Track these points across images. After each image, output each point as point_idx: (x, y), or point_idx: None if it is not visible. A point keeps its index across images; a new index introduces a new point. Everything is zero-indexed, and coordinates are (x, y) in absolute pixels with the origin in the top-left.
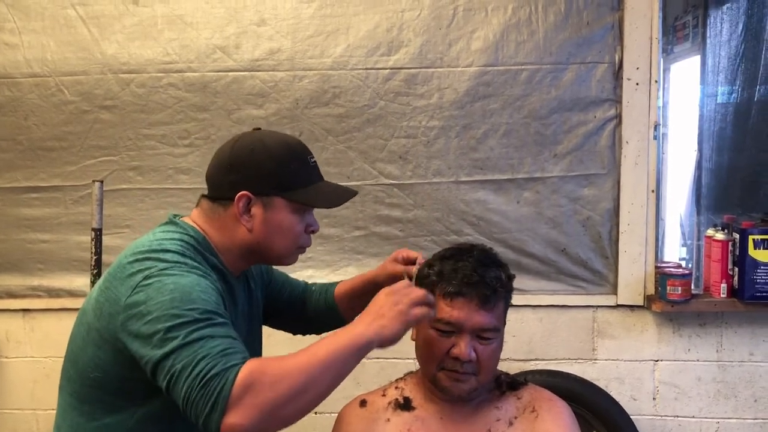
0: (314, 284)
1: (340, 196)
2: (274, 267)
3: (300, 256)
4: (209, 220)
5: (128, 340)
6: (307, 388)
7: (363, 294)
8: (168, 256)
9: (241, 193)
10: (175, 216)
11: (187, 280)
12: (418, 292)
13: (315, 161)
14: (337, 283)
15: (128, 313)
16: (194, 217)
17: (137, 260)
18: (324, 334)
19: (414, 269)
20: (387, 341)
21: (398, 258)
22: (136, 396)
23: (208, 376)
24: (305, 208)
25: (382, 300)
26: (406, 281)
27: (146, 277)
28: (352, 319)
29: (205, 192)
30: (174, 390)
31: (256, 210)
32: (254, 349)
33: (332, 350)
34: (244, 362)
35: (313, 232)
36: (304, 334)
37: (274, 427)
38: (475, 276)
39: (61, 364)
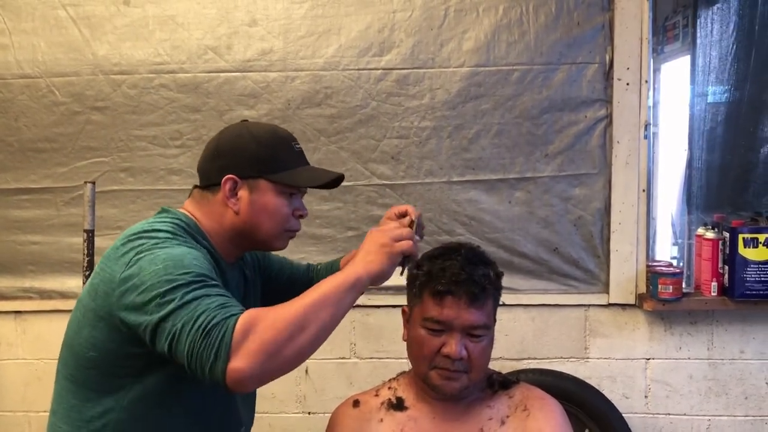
0: (318, 264)
1: (323, 175)
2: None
3: (293, 257)
4: (200, 206)
5: (124, 313)
6: (305, 325)
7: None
8: (160, 234)
9: (227, 176)
10: (167, 207)
11: (179, 250)
12: (402, 229)
13: (300, 148)
14: (339, 258)
15: (123, 288)
16: (186, 206)
17: (129, 241)
18: None
19: (406, 221)
20: (376, 276)
21: (391, 216)
22: (129, 374)
23: (209, 326)
24: (291, 191)
25: (368, 239)
26: (392, 222)
27: (138, 252)
28: None
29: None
30: (177, 349)
31: (243, 193)
32: None
33: (326, 289)
34: (242, 312)
35: (301, 216)
36: None
37: (277, 368)
38: (463, 274)
39: (55, 366)
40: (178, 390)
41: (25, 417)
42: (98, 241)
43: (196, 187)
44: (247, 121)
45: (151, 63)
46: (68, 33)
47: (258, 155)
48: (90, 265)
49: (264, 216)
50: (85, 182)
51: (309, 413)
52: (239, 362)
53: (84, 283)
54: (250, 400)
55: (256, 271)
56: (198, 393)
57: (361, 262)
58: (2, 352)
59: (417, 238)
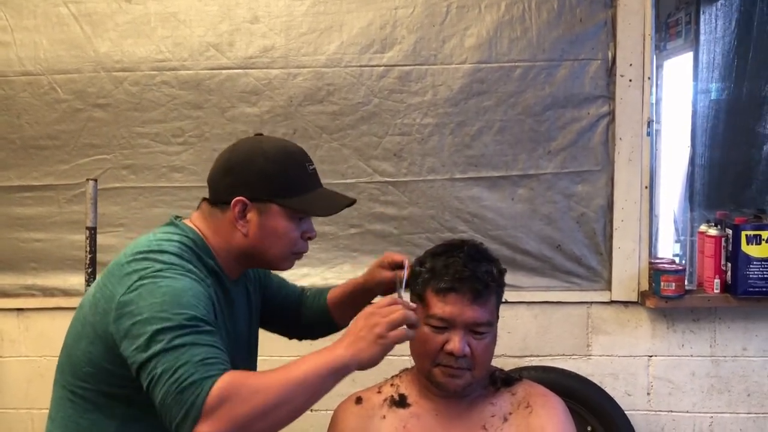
0: (309, 289)
1: (337, 204)
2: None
3: None
4: (208, 222)
5: (118, 337)
6: (281, 404)
7: (353, 300)
8: (165, 257)
9: (236, 198)
10: (176, 218)
11: (180, 284)
12: (397, 314)
13: (314, 168)
14: (330, 288)
15: (120, 311)
16: (194, 220)
17: (135, 260)
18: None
19: (402, 273)
20: (365, 364)
21: (384, 264)
22: (123, 396)
23: (185, 384)
24: (301, 215)
25: (361, 322)
26: (387, 299)
27: (141, 278)
28: (345, 325)
29: (206, 194)
30: (153, 393)
31: (252, 215)
32: (254, 352)
33: (309, 370)
34: (222, 373)
35: (309, 238)
36: (300, 339)
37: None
38: (466, 271)
39: (56, 362)
40: None
41: (27, 414)
42: (100, 239)
43: (205, 199)
44: (261, 135)
45: (152, 60)
46: (70, 30)
47: (270, 177)
48: (92, 263)
49: (273, 239)
50: (87, 179)
51: (312, 410)
52: (207, 428)
53: (86, 281)
54: None
55: (257, 289)
56: None
57: (351, 348)
58: (5, 350)
59: (412, 318)
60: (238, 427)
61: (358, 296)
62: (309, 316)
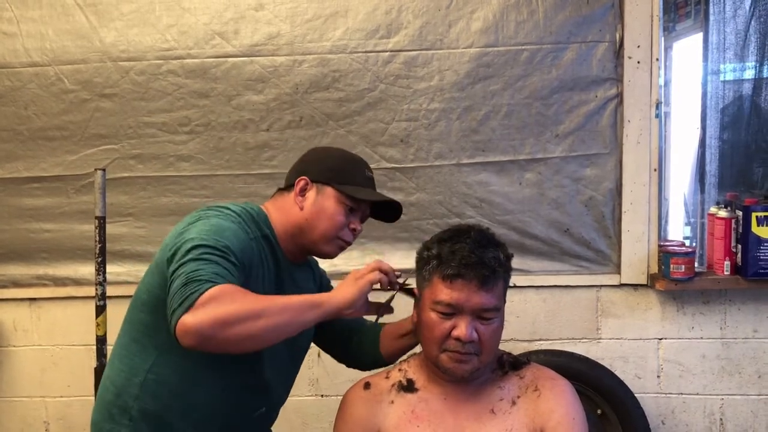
0: (369, 322)
1: (381, 196)
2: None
3: None
4: (274, 202)
5: (170, 257)
6: (260, 317)
7: (405, 333)
8: (226, 211)
9: (300, 177)
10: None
11: (227, 223)
12: (372, 264)
13: (372, 176)
14: (385, 324)
15: (177, 240)
16: (265, 203)
17: (203, 210)
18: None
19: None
20: (342, 303)
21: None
22: (165, 323)
23: (193, 281)
24: (352, 205)
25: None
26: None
27: (199, 218)
28: (393, 362)
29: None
30: (170, 288)
31: (310, 193)
32: (292, 342)
33: (292, 300)
34: (225, 284)
35: (354, 230)
36: (348, 365)
37: (222, 341)
38: (473, 257)
39: (70, 351)
40: (211, 359)
41: (42, 402)
42: (110, 228)
43: (279, 189)
44: (341, 148)
45: (158, 49)
46: (75, 20)
47: (332, 167)
48: (102, 252)
49: (323, 217)
50: (96, 169)
51: (322, 396)
52: (191, 318)
53: (96, 270)
54: (283, 379)
55: (318, 283)
56: (229, 367)
57: (332, 292)
58: (18, 339)
59: (386, 266)
60: (216, 324)
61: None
62: (359, 342)
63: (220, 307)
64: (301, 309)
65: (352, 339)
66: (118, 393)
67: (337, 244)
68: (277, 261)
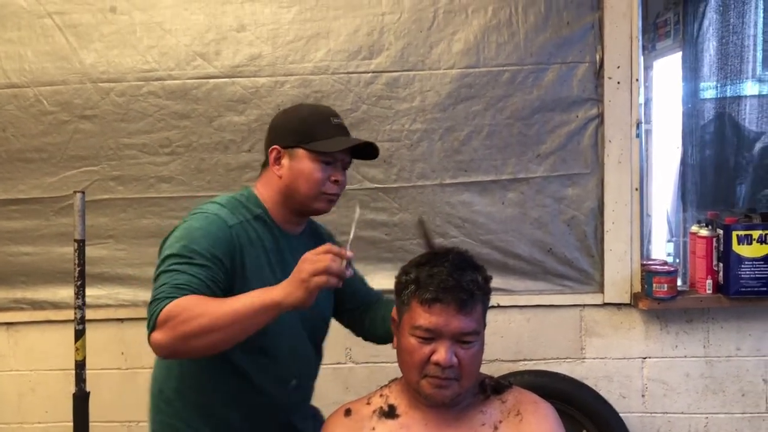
0: (388, 298)
1: (349, 142)
2: (353, 270)
3: None
4: (261, 179)
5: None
6: (214, 330)
7: None
8: (209, 207)
9: (271, 147)
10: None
11: (197, 224)
12: (321, 264)
13: (339, 122)
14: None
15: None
16: (255, 184)
17: (190, 212)
18: None
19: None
20: (292, 305)
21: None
22: None
23: (155, 299)
24: (326, 159)
25: (297, 267)
26: (323, 247)
27: (180, 225)
28: None
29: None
30: None
31: (285, 161)
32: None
33: (244, 306)
34: (179, 297)
35: (336, 181)
36: (365, 339)
37: (185, 352)
38: (451, 281)
39: (48, 377)
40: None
41: (19, 428)
42: (89, 251)
43: (262, 166)
44: (301, 104)
45: (139, 70)
46: (55, 41)
47: (297, 128)
48: (81, 275)
49: (301, 180)
50: (75, 192)
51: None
52: (157, 336)
53: (75, 293)
54: (305, 353)
55: None
56: (251, 349)
57: (283, 290)
58: None
59: (334, 268)
60: (179, 340)
61: None
62: (371, 319)
63: (177, 326)
64: (254, 313)
65: (364, 317)
66: (160, 389)
67: (324, 199)
68: (275, 236)
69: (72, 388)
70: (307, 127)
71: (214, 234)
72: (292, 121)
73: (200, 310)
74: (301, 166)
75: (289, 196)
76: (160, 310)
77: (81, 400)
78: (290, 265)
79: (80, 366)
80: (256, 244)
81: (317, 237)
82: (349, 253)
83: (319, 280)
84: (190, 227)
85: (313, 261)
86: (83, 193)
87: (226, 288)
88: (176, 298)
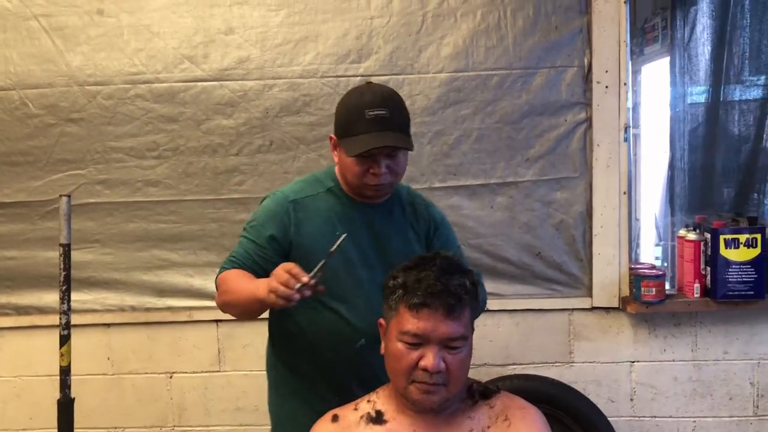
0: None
1: (367, 144)
2: (448, 231)
3: None
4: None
5: None
6: (233, 306)
7: None
8: (285, 187)
9: (330, 135)
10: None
11: (265, 203)
12: (274, 281)
13: (375, 114)
14: None
15: None
16: None
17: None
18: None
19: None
20: (273, 305)
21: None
22: None
23: (221, 266)
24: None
25: (272, 274)
26: (290, 271)
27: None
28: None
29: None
30: None
31: (338, 149)
32: (376, 264)
33: (245, 295)
34: (228, 269)
35: (374, 174)
36: None
37: (225, 312)
38: (438, 285)
39: (33, 383)
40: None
41: None
42: (76, 255)
43: None
44: (355, 89)
45: (126, 73)
46: (41, 44)
47: (339, 120)
48: (67, 280)
49: (346, 170)
50: (61, 195)
51: None
52: (217, 297)
53: (61, 298)
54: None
55: (423, 230)
56: (322, 312)
57: (265, 290)
58: None
59: (283, 291)
60: (220, 305)
61: None
62: None
63: (220, 294)
64: (249, 302)
65: None
66: (268, 355)
67: (369, 189)
68: (344, 205)
69: (57, 394)
70: (344, 121)
71: (273, 210)
72: (339, 110)
73: (228, 287)
74: (343, 158)
75: (344, 182)
76: (217, 276)
77: (65, 407)
78: (359, 232)
79: (65, 372)
80: (324, 214)
81: (407, 206)
82: (304, 279)
83: (269, 298)
84: (262, 205)
85: (275, 275)
86: (69, 196)
87: (280, 256)
88: (227, 269)
